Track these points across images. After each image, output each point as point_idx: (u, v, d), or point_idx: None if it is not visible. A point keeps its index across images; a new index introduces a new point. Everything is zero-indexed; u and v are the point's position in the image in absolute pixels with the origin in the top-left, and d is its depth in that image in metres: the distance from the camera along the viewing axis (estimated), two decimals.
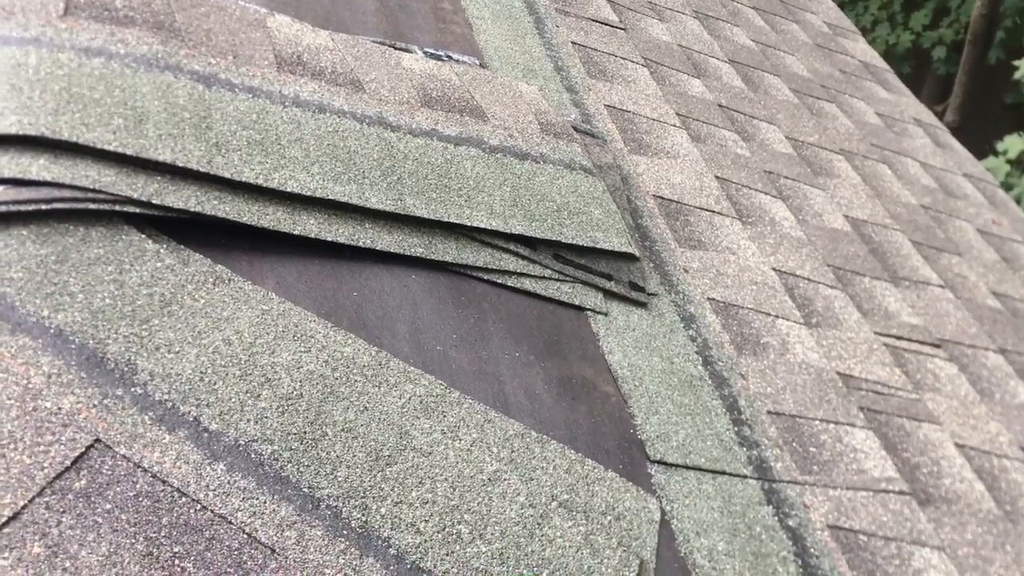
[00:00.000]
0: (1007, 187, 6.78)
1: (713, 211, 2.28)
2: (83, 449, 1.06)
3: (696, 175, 2.38)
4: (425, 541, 1.19)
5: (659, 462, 1.52)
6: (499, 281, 1.69)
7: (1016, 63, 6.84)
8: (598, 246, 1.84)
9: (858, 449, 1.77)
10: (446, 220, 1.67)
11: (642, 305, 1.85)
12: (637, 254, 1.90)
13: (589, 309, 1.76)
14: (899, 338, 2.18)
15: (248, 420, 1.20)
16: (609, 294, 1.82)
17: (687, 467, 1.54)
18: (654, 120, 2.52)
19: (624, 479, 1.44)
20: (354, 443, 1.25)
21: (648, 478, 1.48)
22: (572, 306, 1.75)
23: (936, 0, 9.90)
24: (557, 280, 1.77)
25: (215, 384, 1.22)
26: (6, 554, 0.93)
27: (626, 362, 1.69)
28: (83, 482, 1.03)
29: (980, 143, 7.26)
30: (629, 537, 1.35)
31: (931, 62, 9.88)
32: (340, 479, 1.20)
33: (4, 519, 0.95)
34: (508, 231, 1.74)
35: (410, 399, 1.37)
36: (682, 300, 1.92)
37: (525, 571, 1.07)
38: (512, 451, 1.38)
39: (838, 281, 2.28)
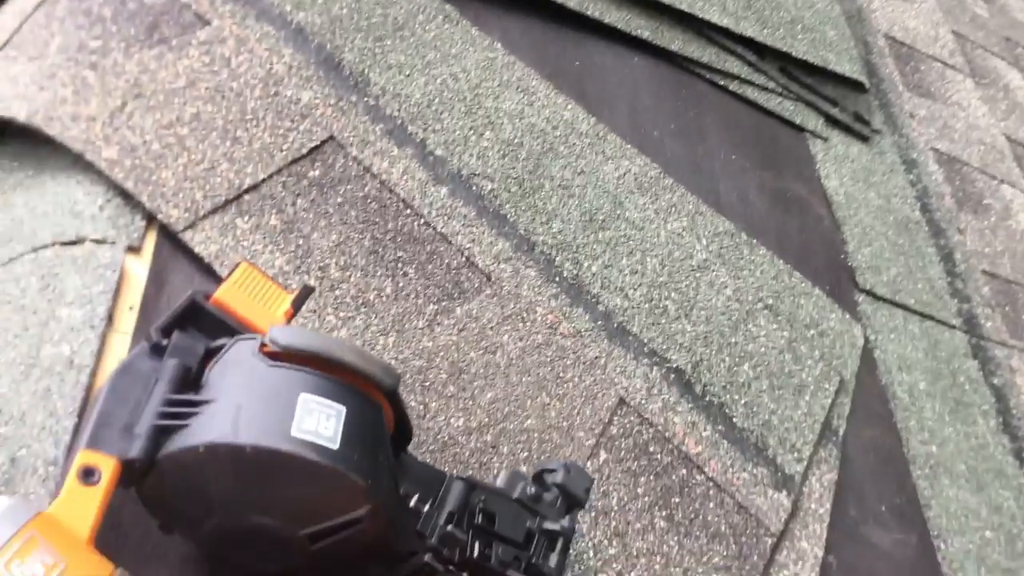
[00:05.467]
0: None
1: (946, 63, 2.08)
2: (319, 143, 1.04)
3: (932, 24, 2.16)
4: (632, 307, 1.14)
5: (868, 292, 1.42)
6: (721, 83, 1.59)
7: None
8: (828, 67, 1.70)
9: None
10: (677, 7, 1.56)
11: (864, 139, 1.71)
12: (867, 84, 1.75)
13: (809, 131, 1.64)
14: None
15: (471, 155, 1.16)
16: (831, 120, 1.69)
17: (895, 303, 1.44)
18: None
19: (831, 300, 1.35)
20: (570, 201, 1.21)
21: (854, 305, 1.40)
22: (792, 124, 1.63)
23: None
24: (780, 95, 1.65)
25: (441, 114, 1.18)
26: (247, 218, 0.93)
27: (842, 190, 1.57)
28: (317, 173, 1.02)
29: None
30: (831, 355, 1.28)
31: None
32: (554, 231, 1.16)
33: (247, 186, 0.95)
34: (738, 32, 1.61)
35: (625, 174, 1.30)
36: (905, 144, 1.77)
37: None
38: (721, 247, 1.31)
39: None
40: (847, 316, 1.35)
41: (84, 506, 0.60)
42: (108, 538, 0.62)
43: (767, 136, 1.58)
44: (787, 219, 1.45)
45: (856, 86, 1.75)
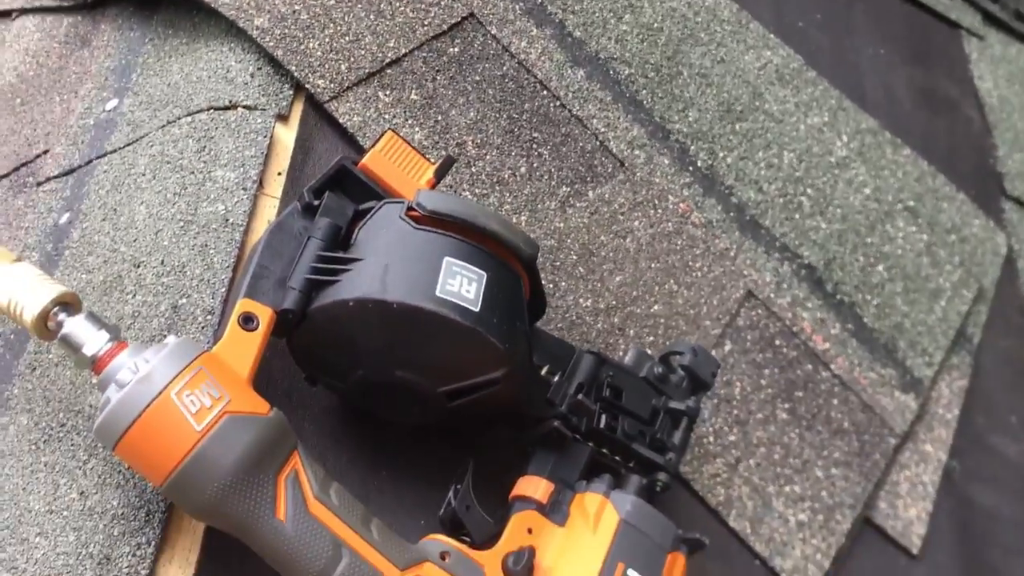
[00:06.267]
0: None
1: None
2: (459, 19, 1.04)
3: None
4: (766, 201, 1.12)
5: (1015, 200, 1.36)
6: None
7: None
8: None
9: None
10: None
11: (1022, 38, 1.60)
12: None
13: (964, 28, 1.54)
14: None
15: (609, 38, 1.14)
16: (989, 18, 1.59)
17: None
18: None
19: (975, 205, 1.30)
20: (707, 90, 1.18)
21: (1000, 213, 1.33)
22: (947, 20, 1.54)
23: None
24: None
25: None
26: (388, 92, 0.95)
27: (996, 92, 1.48)
28: (456, 50, 1.02)
29: None
30: (971, 262, 1.23)
31: None
32: (690, 120, 1.14)
33: (389, 60, 0.96)
34: None
35: (766, 65, 1.26)
36: None
37: None
38: (863, 144, 1.26)
39: None
40: (991, 223, 1.29)
41: (244, 349, 0.64)
42: (261, 386, 0.66)
43: (919, 31, 1.49)
44: (934, 119, 1.38)
45: None
